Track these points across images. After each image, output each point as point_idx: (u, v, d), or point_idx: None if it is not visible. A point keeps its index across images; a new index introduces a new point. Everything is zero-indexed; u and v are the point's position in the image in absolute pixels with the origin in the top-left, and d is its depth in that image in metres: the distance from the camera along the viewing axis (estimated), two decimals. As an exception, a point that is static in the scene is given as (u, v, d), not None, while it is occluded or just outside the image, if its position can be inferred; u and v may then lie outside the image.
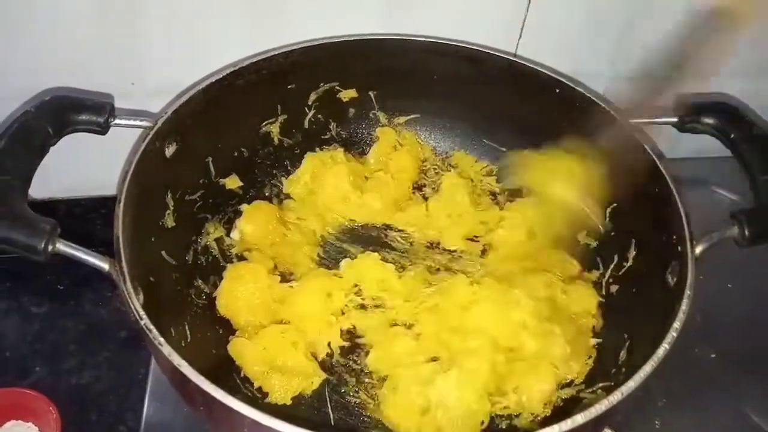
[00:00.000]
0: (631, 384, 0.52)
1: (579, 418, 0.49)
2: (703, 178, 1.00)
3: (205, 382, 0.49)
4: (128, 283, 0.55)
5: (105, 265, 0.57)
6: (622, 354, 0.68)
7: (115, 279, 0.56)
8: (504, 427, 0.68)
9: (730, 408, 0.77)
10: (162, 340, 0.52)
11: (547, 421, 0.64)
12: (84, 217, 0.88)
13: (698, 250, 0.63)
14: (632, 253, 0.74)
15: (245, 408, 0.47)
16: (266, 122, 0.84)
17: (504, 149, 0.89)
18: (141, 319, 0.53)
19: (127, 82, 0.78)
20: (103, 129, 0.67)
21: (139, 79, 0.78)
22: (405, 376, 0.67)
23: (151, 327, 0.52)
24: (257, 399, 0.67)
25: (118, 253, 0.57)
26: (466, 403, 0.64)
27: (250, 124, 0.83)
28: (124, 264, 0.56)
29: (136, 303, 0.54)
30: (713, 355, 0.81)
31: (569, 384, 0.70)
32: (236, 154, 0.83)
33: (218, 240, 0.80)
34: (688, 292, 0.59)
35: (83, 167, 0.82)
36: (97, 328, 0.81)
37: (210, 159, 0.79)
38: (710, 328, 0.82)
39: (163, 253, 0.71)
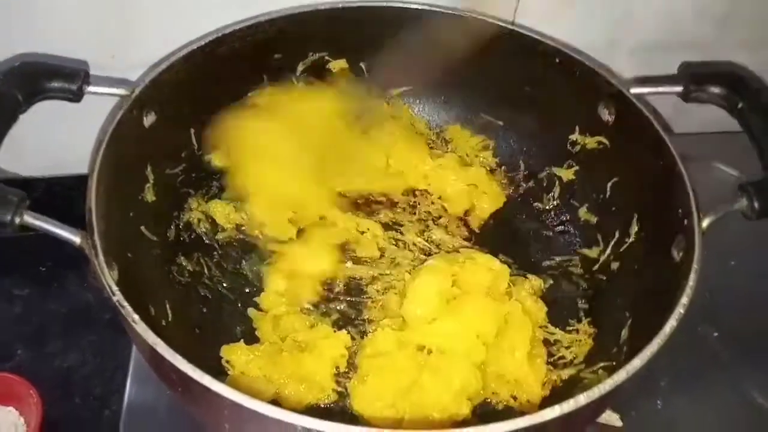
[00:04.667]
0: (637, 362, 0.49)
1: (582, 399, 0.46)
2: (704, 153, 0.97)
3: (182, 362, 0.45)
4: (100, 257, 0.52)
5: (76, 239, 0.54)
6: (624, 333, 0.65)
7: (87, 253, 0.53)
8: (501, 408, 0.65)
9: (734, 388, 0.75)
10: (136, 317, 0.48)
11: (547, 402, 0.62)
12: (63, 196, 0.84)
13: (705, 223, 0.61)
14: (634, 228, 0.72)
15: (225, 389, 0.44)
16: (252, 93, 0.80)
17: (501, 123, 0.86)
18: (114, 294, 0.50)
19: (107, 55, 0.75)
20: (76, 97, 0.64)
21: (120, 50, 0.75)
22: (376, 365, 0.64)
23: (125, 303, 0.49)
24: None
25: (90, 226, 0.54)
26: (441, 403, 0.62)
27: (235, 95, 0.79)
28: (96, 237, 0.53)
29: (108, 278, 0.51)
30: (716, 334, 0.79)
31: (569, 363, 0.68)
32: (220, 126, 0.78)
33: (202, 216, 0.77)
34: (695, 266, 0.57)
35: (63, 144, 0.79)
36: (80, 311, 0.79)
37: (192, 131, 0.76)
38: (713, 306, 0.80)
39: (143, 228, 0.68)
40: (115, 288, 0.50)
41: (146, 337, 0.47)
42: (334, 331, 0.68)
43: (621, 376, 0.48)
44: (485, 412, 0.65)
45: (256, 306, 0.71)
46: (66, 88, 0.63)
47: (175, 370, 0.46)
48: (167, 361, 0.46)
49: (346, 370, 0.67)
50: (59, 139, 0.79)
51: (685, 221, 0.61)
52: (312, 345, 0.66)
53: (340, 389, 0.65)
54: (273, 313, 0.69)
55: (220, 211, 0.76)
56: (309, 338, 0.66)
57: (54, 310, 0.79)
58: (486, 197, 0.82)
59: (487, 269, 0.69)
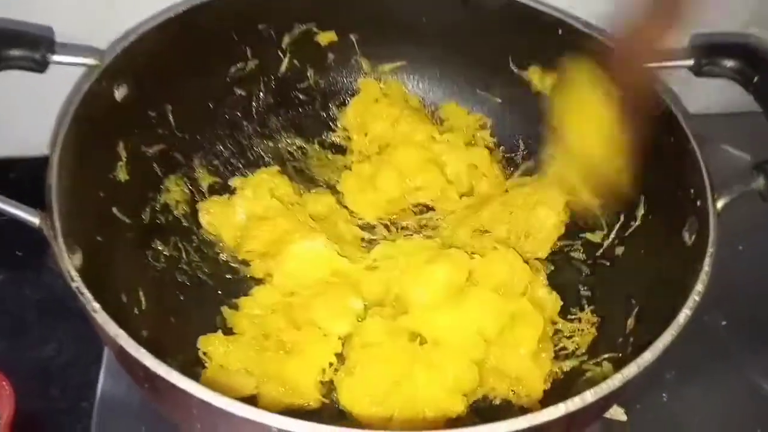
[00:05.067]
0: (649, 356, 0.45)
1: (588, 396, 0.42)
2: (711, 135, 0.93)
3: (147, 356, 0.41)
4: (60, 240, 0.47)
5: (35, 219, 0.50)
6: (630, 322, 0.62)
7: (46, 235, 0.49)
8: (498, 403, 0.62)
9: (743, 379, 0.72)
10: (96, 305, 0.44)
11: (547, 396, 0.58)
12: (32, 178, 0.80)
13: (719, 204, 0.57)
14: (641, 211, 0.68)
15: (192, 386, 0.39)
16: (235, 68, 0.76)
17: (499, 100, 0.82)
18: (72, 281, 0.45)
19: (84, 29, 0.70)
20: (39, 66, 0.60)
21: (98, 23, 0.70)
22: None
23: (84, 290, 0.45)
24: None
25: (50, 206, 0.50)
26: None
27: (216, 70, 0.75)
28: (56, 218, 0.49)
29: (67, 262, 0.46)
30: (723, 323, 0.76)
31: (571, 355, 0.65)
32: (200, 103, 0.75)
33: (180, 198, 0.72)
34: (710, 250, 0.54)
35: (31, 122, 0.74)
36: (57, 298, 0.74)
37: (169, 107, 0.71)
38: (720, 293, 0.75)
39: (114, 209, 0.64)
40: (74, 273, 0.46)
41: (107, 329, 0.43)
42: (324, 335, 0.62)
43: (632, 370, 0.44)
44: (481, 408, 0.61)
45: (237, 294, 0.67)
46: (28, 56, 0.59)
47: (139, 365, 0.41)
48: (130, 354, 0.41)
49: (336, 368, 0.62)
50: (27, 115, 0.75)
51: (698, 202, 0.58)
52: (298, 348, 0.60)
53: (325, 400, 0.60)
54: (247, 311, 0.64)
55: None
56: (295, 340, 0.61)
57: (30, 297, 0.75)
58: (486, 180, 0.77)
59: (507, 264, 0.65)
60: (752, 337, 0.75)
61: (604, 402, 0.43)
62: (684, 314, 0.49)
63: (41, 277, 0.76)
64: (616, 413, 0.65)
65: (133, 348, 0.41)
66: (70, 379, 0.68)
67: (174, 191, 0.72)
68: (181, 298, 0.66)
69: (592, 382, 0.44)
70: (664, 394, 0.69)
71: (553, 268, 0.72)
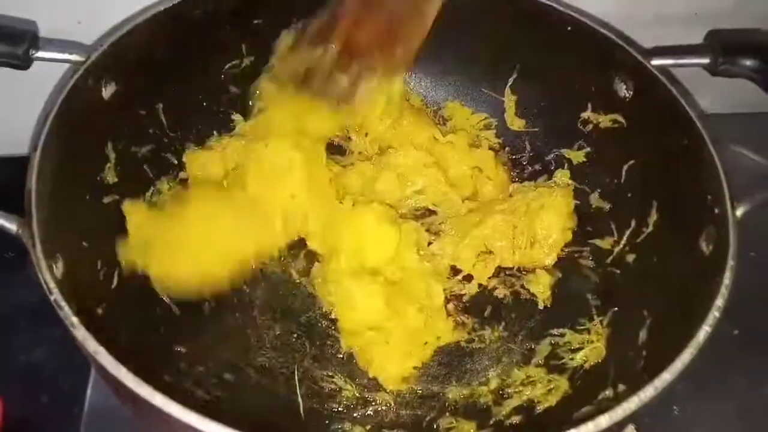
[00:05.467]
0: (667, 377, 0.43)
1: (603, 421, 0.39)
2: (720, 136, 0.91)
3: (128, 375, 0.38)
4: (38, 249, 0.44)
5: (12, 226, 0.47)
6: (642, 334, 0.59)
7: (25, 243, 0.46)
8: (516, 422, 0.59)
9: (756, 391, 0.70)
10: (75, 320, 0.41)
11: (557, 416, 0.55)
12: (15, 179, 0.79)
13: (739, 212, 0.55)
14: (653, 217, 0.66)
15: (178, 409, 0.37)
16: (229, 65, 0.73)
17: (504, 99, 0.79)
18: (51, 293, 0.43)
19: (72, 20, 0.69)
20: (23, 62, 0.58)
21: (88, 15, 0.69)
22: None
23: (63, 304, 0.42)
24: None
25: (29, 212, 0.48)
26: None
27: (209, 67, 0.73)
28: (35, 225, 0.46)
29: (45, 273, 0.44)
30: (736, 332, 0.73)
31: (579, 368, 0.62)
32: (193, 101, 0.73)
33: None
34: (731, 262, 0.51)
35: (16, 120, 0.72)
36: (48, 302, 0.71)
37: (160, 106, 0.69)
38: (732, 302, 0.73)
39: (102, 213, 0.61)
40: (52, 286, 0.43)
41: (86, 345, 0.40)
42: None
43: (648, 392, 0.41)
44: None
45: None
46: (10, 52, 0.57)
47: (120, 385, 0.38)
48: (111, 373, 0.39)
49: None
50: (14, 113, 0.72)
51: (716, 210, 0.56)
52: None
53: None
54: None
55: None
56: None
57: (20, 300, 0.72)
58: (490, 185, 0.74)
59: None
60: (766, 347, 0.72)
61: (619, 426, 0.41)
62: (704, 331, 0.46)
63: (31, 280, 0.73)
64: (627, 429, 0.62)
65: (114, 367, 0.39)
66: (60, 385, 0.67)
67: (166, 193, 0.69)
68: (172, 308, 0.63)
69: (605, 402, 0.42)
70: (675, 407, 0.67)
71: (560, 275, 0.69)
